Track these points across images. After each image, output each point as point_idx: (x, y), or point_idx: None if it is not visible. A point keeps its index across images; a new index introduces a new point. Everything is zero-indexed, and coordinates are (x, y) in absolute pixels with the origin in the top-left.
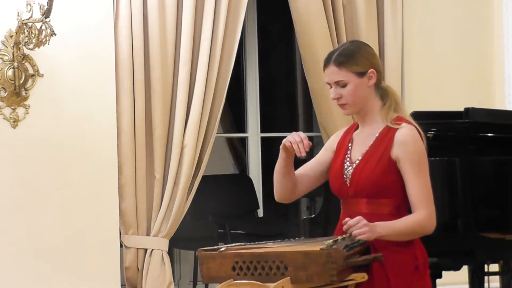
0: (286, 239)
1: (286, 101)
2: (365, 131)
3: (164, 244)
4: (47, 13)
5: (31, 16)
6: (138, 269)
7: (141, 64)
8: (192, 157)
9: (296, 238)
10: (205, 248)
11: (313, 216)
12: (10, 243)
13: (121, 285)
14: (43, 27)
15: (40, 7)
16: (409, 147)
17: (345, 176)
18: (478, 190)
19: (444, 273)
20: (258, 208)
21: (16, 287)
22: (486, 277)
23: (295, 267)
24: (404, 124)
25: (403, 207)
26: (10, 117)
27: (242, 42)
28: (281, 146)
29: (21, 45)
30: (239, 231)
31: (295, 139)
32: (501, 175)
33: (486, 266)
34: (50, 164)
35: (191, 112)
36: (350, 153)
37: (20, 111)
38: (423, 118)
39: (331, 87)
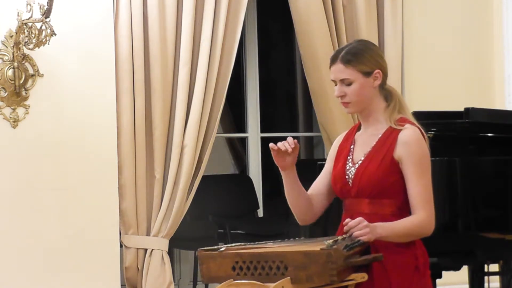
0: (286, 239)
1: (286, 101)
2: (368, 132)
3: (164, 244)
4: (47, 13)
5: (31, 16)
6: (138, 269)
7: (141, 64)
8: (192, 157)
9: (296, 238)
10: (205, 248)
11: None
12: (10, 243)
13: (121, 285)
14: (43, 27)
15: (40, 7)
16: (412, 148)
17: (347, 176)
18: (478, 190)
19: (444, 273)
20: (258, 208)
21: (16, 287)
22: (486, 277)
23: (295, 267)
24: (407, 125)
25: (405, 208)
26: (10, 117)
27: (242, 42)
28: (275, 162)
29: (21, 45)
30: (239, 231)
31: (278, 144)
32: (501, 175)
33: (486, 266)
34: (50, 164)
35: (191, 112)
36: (353, 153)
37: (20, 111)
38: (423, 118)
39: (336, 85)
